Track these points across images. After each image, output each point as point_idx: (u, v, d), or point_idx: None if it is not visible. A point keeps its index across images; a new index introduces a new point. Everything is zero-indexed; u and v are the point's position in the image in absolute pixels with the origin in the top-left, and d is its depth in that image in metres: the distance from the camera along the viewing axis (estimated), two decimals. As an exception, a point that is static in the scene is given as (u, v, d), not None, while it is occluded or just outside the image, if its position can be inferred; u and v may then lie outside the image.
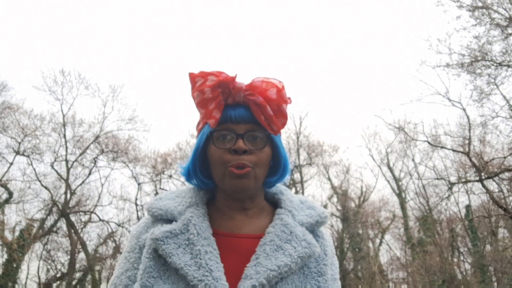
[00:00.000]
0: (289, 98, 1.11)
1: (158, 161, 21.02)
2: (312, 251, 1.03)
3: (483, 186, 13.88)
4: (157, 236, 1.01)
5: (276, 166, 1.12)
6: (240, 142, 1.03)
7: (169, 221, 1.07)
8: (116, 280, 1.07)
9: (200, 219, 1.04)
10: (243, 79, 1.09)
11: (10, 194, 17.90)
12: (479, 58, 12.52)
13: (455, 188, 18.36)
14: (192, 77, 1.07)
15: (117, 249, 19.20)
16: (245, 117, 1.06)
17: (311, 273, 1.03)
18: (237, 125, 1.05)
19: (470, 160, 13.63)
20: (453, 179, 18.06)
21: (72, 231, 18.54)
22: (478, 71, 12.81)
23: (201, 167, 1.11)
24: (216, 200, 1.13)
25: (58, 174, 18.88)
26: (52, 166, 18.73)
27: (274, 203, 1.16)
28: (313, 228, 1.11)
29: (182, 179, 20.26)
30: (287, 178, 1.16)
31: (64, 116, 18.87)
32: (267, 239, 1.02)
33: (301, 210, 1.13)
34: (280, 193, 1.16)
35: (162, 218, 1.08)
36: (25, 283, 18.87)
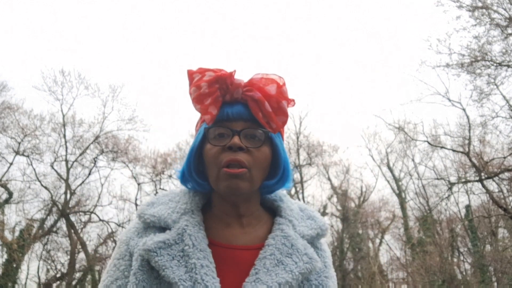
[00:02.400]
0: (293, 100, 1.04)
1: (158, 161, 21.04)
2: (313, 266, 0.97)
3: (483, 186, 13.88)
4: (149, 247, 0.94)
5: (275, 168, 1.05)
6: (235, 139, 0.97)
7: (162, 228, 1.00)
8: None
9: (195, 229, 0.97)
10: (244, 79, 1.04)
11: (10, 194, 17.90)
12: (479, 58, 12.52)
13: (455, 188, 18.37)
14: (190, 74, 1.02)
15: (117, 249, 19.17)
16: (243, 114, 1.00)
17: (311, 287, 0.99)
18: (235, 122, 0.99)
19: (470, 160, 13.63)
20: (453, 179, 18.07)
21: (72, 231, 18.54)
22: (478, 71, 12.82)
23: (196, 168, 1.05)
24: (212, 205, 1.06)
25: (58, 174, 18.89)
26: (52, 166, 18.74)
27: (271, 210, 1.10)
28: (313, 241, 1.06)
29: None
30: (288, 187, 1.08)
31: (64, 116, 18.89)
32: (267, 253, 0.96)
33: (301, 220, 1.07)
34: (280, 200, 1.10)
35: (154, 225, 1.01)
36: (25, 283, 18.87)
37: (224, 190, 0.98)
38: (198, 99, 1.00)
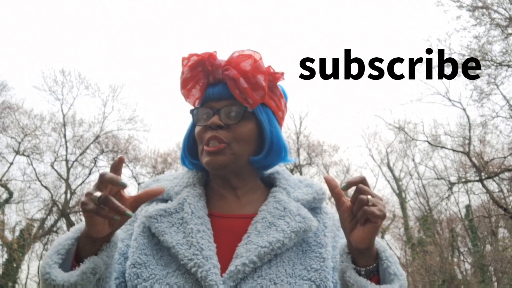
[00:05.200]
0: (282, 73, 1.07)
1: (158, 161, 21.04)
2: (307, 225, 0.98)
3: (483, 186, 13.88)
4: (150, 214, 0.99)
5: (262, 143, 1.07)
6: (214, 117, 1.01)
7: (165, 200, 1.05)
8: None
9: (196, 199, 1.02)
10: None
11: (10, 194, 17.90)
12: (479, 58, 12.52)
13: (455, 188, 18.37)
14: (182, 61, 1.07)
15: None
16: (223, 93, 1.03)
17: (311, 247, 0.99)
18: (217, 102, 1.03)
19: (470, 160, 13.64)
20: (453, 179, 18.06)
21: (72, 231, 18.54)
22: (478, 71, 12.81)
23: (191, 149, 1.11)
24: (210, 180, 1.12)
25: (58, 174, 18.89)
26: (52, 166, 18.74)
27: (271, 184, 1.12)
28: (311, 206, 1.06)
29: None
30: (286, 160, 1.11)
31: (64, 116, 18.87)
32: (259, 217, 0.99)
33: (298, 188, 1.09)
34: (277, 172, 1.13)
35: (157, 198, 1.04)
36: (25, 283, 18.87)
37: (206, 166, 1.03)
38: (182, 84, 1.06)
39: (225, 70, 1.02)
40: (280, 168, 1.14)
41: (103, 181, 0.81)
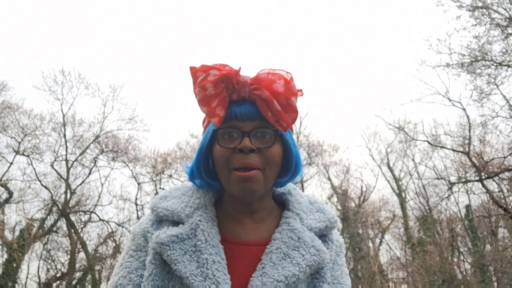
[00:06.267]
0: (300, 90, 1.01)
1: (158, 161, 21.03)
2: (321, 259, 0.96)
3: (483, 186, 13.88)
4: (162, 240, 0.94)
5: (288, 165, 1.03)
6: (246, 141, 0.94)
7: (175, 222, 1.00)
8: (122, 280, 0.98)
9: (209, 224, 0.97)
10: (249, 74, 1.01)
11: (10, 194, 17.90)
12: (479, 58, 12.52)
13: (455, 188, 18.36)
14: (194, 72, 0.98)
15: (117, 249, 19.19)
16: (251, 113, 0.96)
17: (321, 285, 0.98)
18: (243, 122, 0.96)
19: (470, 160, 13.63)
20: (453, 179, 18.06)
21: (72, 231, 18.54)
22: (478, 71, 12.82)
23: (205, 168, 1.03)
24: (223, 202, 1.05)
25: (58, 174, 18.89)
26: (52, 166, 18.74)
27: (281, 203, 1.09)
28: (322, 233, 1.04)
29: (182, 178, 20.31)
30: (298, 178, 1.07)
31: (64, 116, 18.88)
32: (274, 247, 0.96)
33: (310, 213, 1.06)
34: (289, 193, 1.08)
35: (167, 219, 1.00)
36: (25, 283, 18.86)
37: (238, 194, 0.97)
38: (204, 101, 0.97)
39: (254, 90, 0.96)
40: (291, 187, 1.11)
41: None
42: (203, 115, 1.05)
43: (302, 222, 1.02)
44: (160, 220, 1.02)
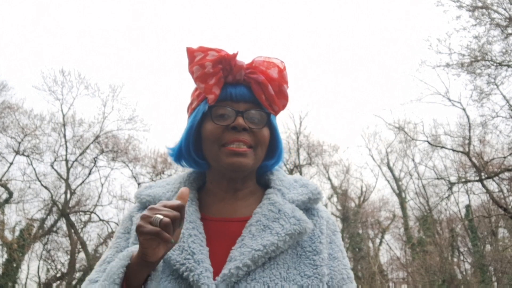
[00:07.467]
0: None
1: (158, 161, 21.03)
2: (302, 228, 0.97)
3: (483, 186, 13.89)
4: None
5: (273, 149, 1.08)
6: (240, 119, 0.99)
7: None
8: (110, 258, 1.02)
9: (187, 203, 1.00)
10: (244, 60, 1.06)
11: (10, 194, 17.90)
12: (479, 58, 12.52)
13: (455, 188, 18.39)
14: (191, 52, 1.02)
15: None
16: (245, 95, 1.02)
17: (305, 252, 0.99)
18: (237, 103, 1.01)
19: (470, 160, 13.64)
20: (453, 179, 18.06)
21: (72, 231, 18.54)
22: (478, 71, 12.82)
23: (195, 147, 1.06)
24: (208, 182, 1.09)
25: (58, 174, 18.88)
26: (52, 166, 18.74)
27: (266, 186, 1.11)
28: (307, 206, 1.05)
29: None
30: (280, 164, 1.12)
31: (64, 116, 18.88)
32: (254, 220, 0.98)
33: (293, 188, 1.08)
34: (271, 173, 1.11)
35: (150, 204, 1.04)
36: (25, 283, 18.86)
37: (227, 166, 1.00)
38: (202, 78, 1.01)
39: (250, 73, 1.02)
40: (274, 168, 1.14)
41: (172, 206, 0.81)
42: (188, 101, 1.10)
43: (284, 196, 1.04)
44: (145, 207, 1.07)
